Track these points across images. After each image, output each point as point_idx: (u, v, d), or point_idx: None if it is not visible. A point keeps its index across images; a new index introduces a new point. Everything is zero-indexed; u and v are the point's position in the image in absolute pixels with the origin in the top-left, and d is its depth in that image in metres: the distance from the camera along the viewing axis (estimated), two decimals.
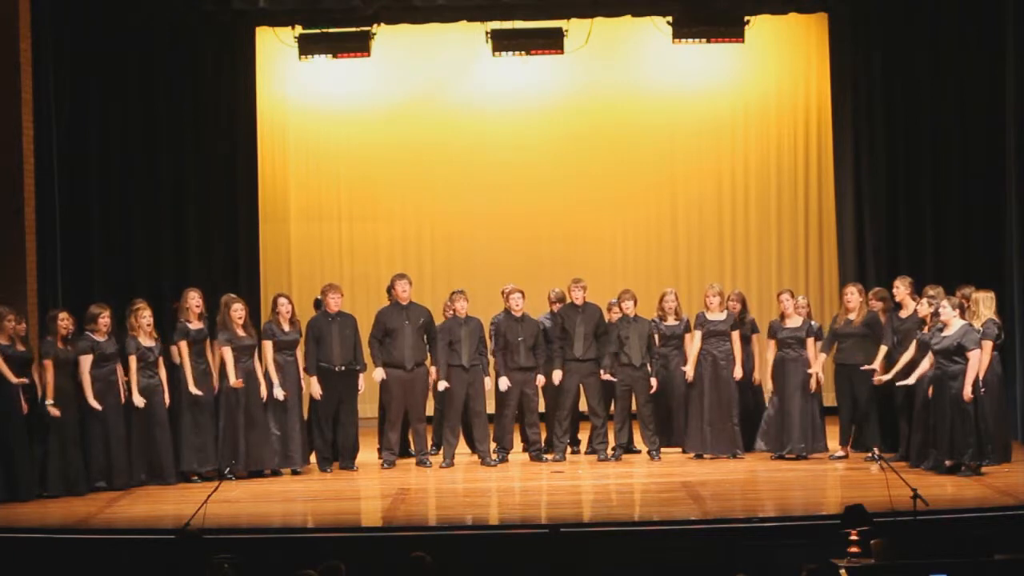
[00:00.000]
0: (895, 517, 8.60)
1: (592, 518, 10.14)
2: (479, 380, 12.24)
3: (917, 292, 11.72)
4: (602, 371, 12.22)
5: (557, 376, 12.27)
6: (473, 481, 11.68)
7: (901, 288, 11.88)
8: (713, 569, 8.49)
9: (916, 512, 8.54)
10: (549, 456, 12.31)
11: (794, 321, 12.14)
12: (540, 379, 12.28)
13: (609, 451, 12.28)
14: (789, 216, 15.66)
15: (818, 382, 12.02)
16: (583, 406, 12.56)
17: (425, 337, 12.23)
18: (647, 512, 10.31)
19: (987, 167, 13.73)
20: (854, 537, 7.99)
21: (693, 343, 12.22)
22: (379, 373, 12.17)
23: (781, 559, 8.34)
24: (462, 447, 12.42)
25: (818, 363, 12.04)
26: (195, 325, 11.66)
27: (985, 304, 11.25)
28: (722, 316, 12.25)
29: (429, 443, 12.42)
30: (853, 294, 12.12)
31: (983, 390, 10.86)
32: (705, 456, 12.13)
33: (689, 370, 12.16)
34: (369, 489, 11.49)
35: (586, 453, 12.63)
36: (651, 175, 15.68)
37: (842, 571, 7.73)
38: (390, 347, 12.15)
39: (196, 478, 11.48)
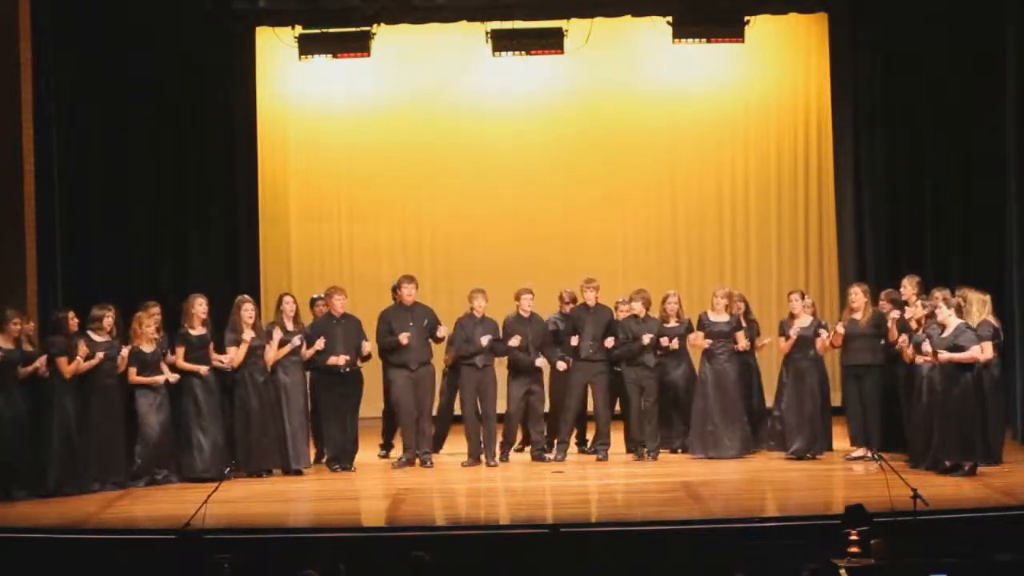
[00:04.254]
0: (895, 517, 8.59)
1: (592, 518, 10.14)
2: (491, 380, 12.25)
3: (926, 292, 11.69)
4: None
5: (561, 366, 12.27)
6: (474, 481, 11.68)
7: (908, 287, 11.87)
8: (713, 569, 8.48)
9: (916, 512, 8.54)
10: (550, 455, 12.32)
11: (803, 320, 12.15)
12: (561, 365, 12.30)
13: (609, 451, 12.30)
14: (789, 216, 15.66)
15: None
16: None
17: (431, 334, 12.22)
18: (647, 512, 10.30)
19: (987, 167, 13.72)
20: (854, 537, 7.99)
21: (696, 344, 12.25)
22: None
23: (781, 559, 8.33)
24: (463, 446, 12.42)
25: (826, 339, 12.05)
26: (197, 331, 11.66)
27: (978, 305, 11.23)
28: (725, 318, 12.26)
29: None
30: (857, 294, 12.09)
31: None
32: (709, 455, 12.10)
33: (700, 369, 12.22)
34: (369, 489, 11.50)
35: (587, 452, 12.64)
36: (651, 175, 15.68)
37: (842, 571, 7.73)
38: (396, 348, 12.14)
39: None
